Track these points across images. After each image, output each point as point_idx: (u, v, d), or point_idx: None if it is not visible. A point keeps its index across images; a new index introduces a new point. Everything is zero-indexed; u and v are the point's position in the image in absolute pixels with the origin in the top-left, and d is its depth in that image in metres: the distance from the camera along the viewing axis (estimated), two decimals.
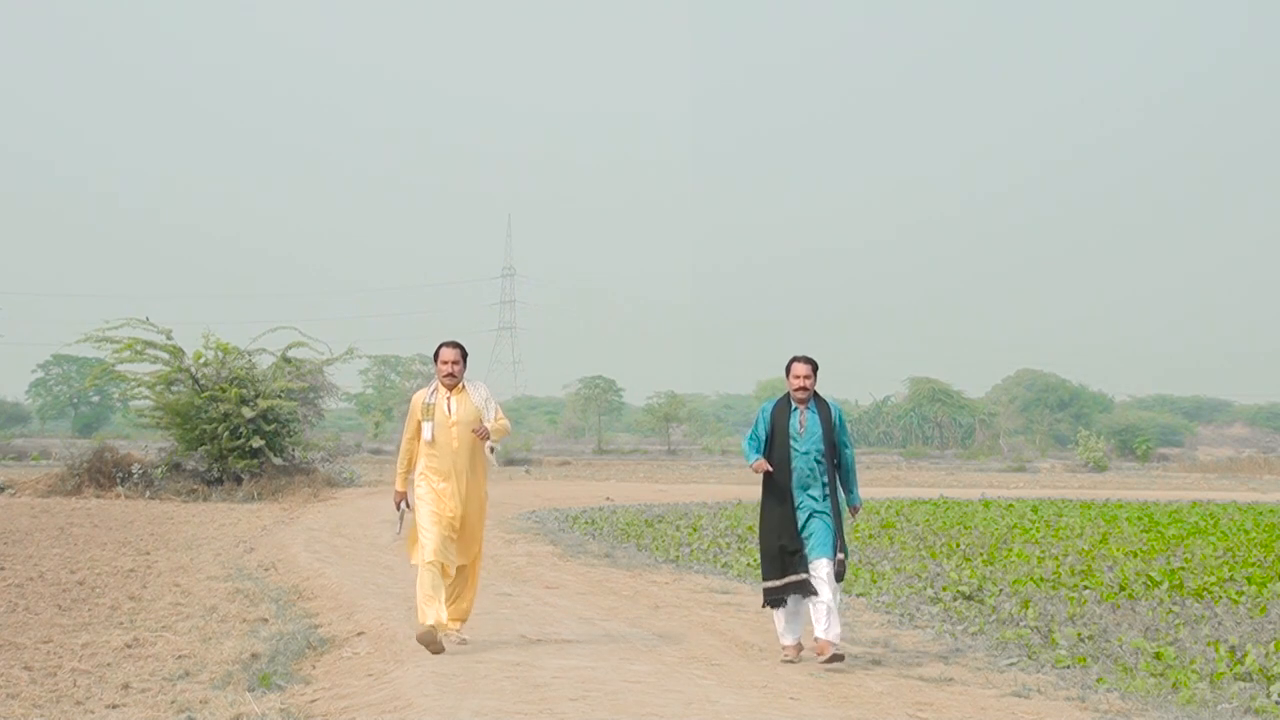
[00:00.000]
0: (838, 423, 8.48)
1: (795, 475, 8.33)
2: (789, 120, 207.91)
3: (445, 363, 8.49)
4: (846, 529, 8.61)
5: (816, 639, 8.08)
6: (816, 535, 8.24)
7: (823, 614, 8.07)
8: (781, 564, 8.26)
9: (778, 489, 8.36)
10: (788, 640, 8.32)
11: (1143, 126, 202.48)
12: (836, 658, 7.94)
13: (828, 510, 8.29)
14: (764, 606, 8.52)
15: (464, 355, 8.58)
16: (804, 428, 8.38)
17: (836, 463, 8.44)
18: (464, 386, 8.52)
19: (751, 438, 8.60)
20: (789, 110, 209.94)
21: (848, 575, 11.10)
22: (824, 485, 8.32)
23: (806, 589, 8.20)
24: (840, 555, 8.27)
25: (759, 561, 8.82)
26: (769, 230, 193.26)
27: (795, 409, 8.45)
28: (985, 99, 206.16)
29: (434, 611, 8.14)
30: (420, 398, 8.52)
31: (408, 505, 8.58)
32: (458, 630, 8.48)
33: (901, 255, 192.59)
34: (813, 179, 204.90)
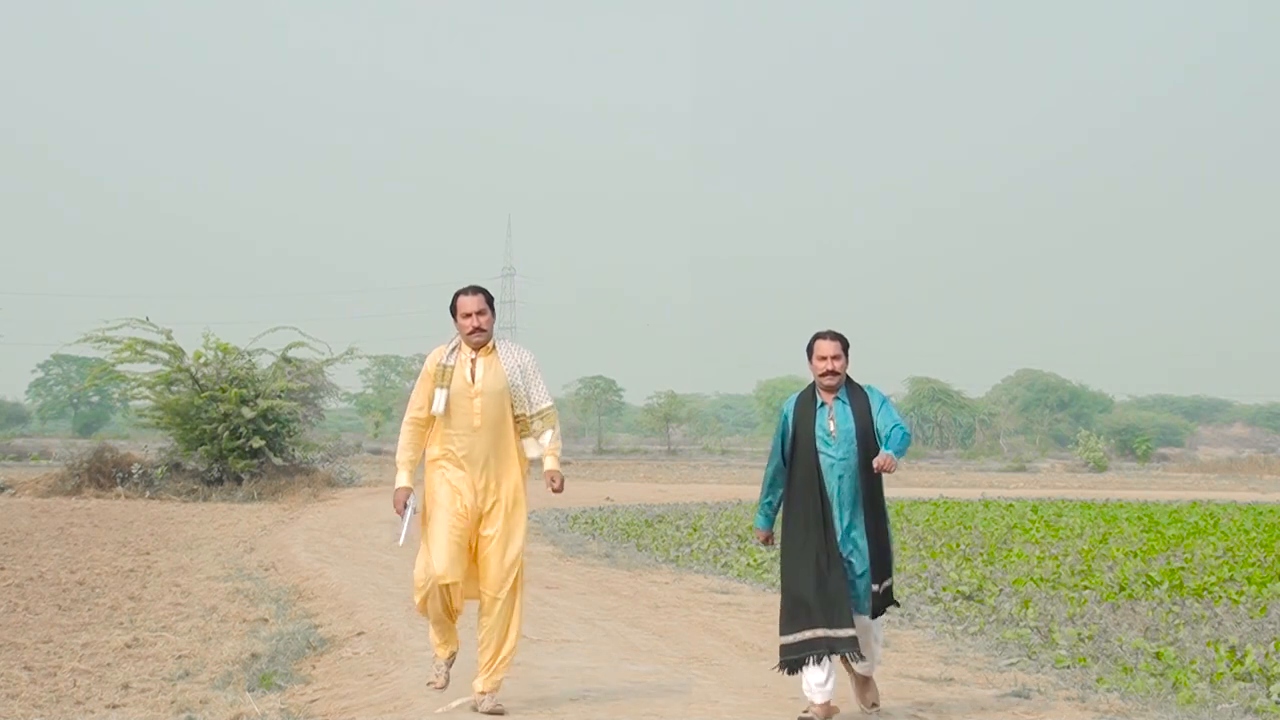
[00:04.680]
0: (879, 408, 6.53)
1: (831, 491, 6.43)
2: (788, 118, 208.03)
3: (468, 315, 6.56)
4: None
5: (856, 675, 6.61)
6: (854, 585, 6.42)
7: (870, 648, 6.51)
8: (808, 613, 6.30)
9: (806, 512, 6.43)
10: (816, 696, 6.36)
11: (1141, 123, 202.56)
12: (874, 705, 6.61)
13: (864, 542, 6.44)
14: (780, 669, 6.46)
15: (490, 303, 6.64)
16: (835, 426, 6.48)
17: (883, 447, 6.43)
18: (494, 346, 6.64)
19: (767, 483, 6.65)
20: (789, 108, 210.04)
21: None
22: (864, 500, 6.45)
23: (839, 647, 6.30)
24: (887, 582, 6.53)
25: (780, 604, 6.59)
26: (769, 228, 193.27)
27: (823, 404, 6.58)
28: (985, 95, 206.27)
29: (443, 649, 6.55)
30: (436, 357, 6.62)
31: (413, 508, 6.59)
32: (491, 695, 6.48)
33: (901, 254, 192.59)
34: (812, 177, 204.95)
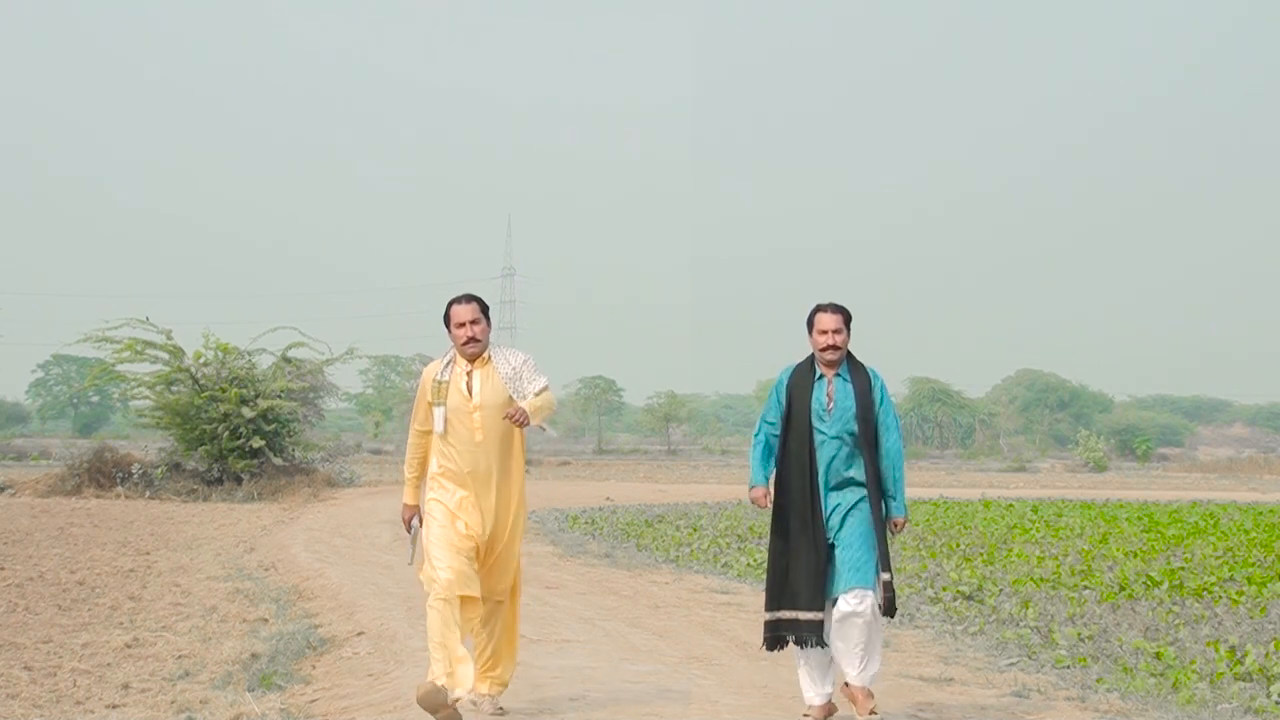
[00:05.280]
0: (879, 395, 6.23)
1: (821, 469, 6.15)
2: (788, 118, 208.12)
3: (461, 324, 6.32)
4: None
5: (847, 685, 6.22)
6: (850, 552, 6.09)
7: (857, 653, 6.09)
8: (792, 592, 6.13)
9: (796, 487, 6.18)
10: (814, 698, 6.21)
11: (1141, 123, 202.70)
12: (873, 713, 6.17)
13: (867, 515, 6.12)
14: (763, 647, 6.38)
15: (484, 311, 6.42)
16: (833, 402, 6.17)
17: (877, 451, 6.20)
18: (489, 356, 6.39)
19: (761, 446, 6.30)
20: (788, 107, 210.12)
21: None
22: (862, 482, 6.16)
23: (816, 634, 6.11)
24: (885, 576, 6.07)
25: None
26: (769, 228, 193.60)
27: (821, 377, 6.25)
28: (985, 95, 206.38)
29: (443, 665, 6.00)
30: (431, 373, 6.41)
31: (420, 522, 6.43)
32: (492, 698, 6.46)
33: (901, 254, 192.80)
34: (812, 176, 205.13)
